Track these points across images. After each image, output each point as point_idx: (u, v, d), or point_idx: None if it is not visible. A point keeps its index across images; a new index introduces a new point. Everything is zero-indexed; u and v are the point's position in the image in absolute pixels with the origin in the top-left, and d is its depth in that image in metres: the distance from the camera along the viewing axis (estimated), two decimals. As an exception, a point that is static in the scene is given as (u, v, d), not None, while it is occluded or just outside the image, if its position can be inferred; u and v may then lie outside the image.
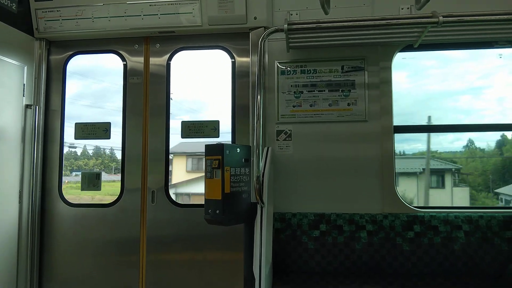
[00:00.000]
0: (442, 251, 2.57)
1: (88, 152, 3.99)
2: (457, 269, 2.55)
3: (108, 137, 3.20)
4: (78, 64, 3.37)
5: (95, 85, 3.56)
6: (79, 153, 3.88)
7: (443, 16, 2.27)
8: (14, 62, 2.95)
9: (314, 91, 2.86)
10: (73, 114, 3.31)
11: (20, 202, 2.99)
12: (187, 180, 4.78)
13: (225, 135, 3.09)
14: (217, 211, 2.32)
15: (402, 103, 2.86)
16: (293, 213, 2.74)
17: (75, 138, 3.23)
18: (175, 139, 3.18)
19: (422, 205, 4.06)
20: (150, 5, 2.97)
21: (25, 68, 3.06)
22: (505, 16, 2.25)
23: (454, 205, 3.44)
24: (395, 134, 2.81)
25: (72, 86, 3.36)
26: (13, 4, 2.97)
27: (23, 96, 3.05)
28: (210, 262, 3.00)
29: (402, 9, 2.77)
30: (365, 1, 2.82)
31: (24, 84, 3.05)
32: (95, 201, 3.32)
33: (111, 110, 3.37)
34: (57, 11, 3.09)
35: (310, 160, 2.82)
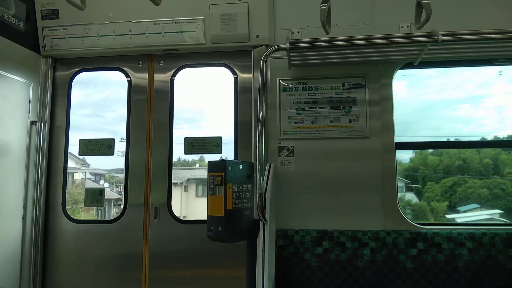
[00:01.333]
0: (445, 268, 2.55)
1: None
2: (461, 286, 2.52)
3: (112, 153, 3.23)
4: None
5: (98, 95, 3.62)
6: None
7: (443, 35, 2.30)
8: (20, 79, 3.01)
9: (315, 107, 2.88)
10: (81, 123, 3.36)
11: (24, 218, 3.00)
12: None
13: (227, 146, 3.12)
14: (220, 228, 2.31)
15: (400, 113, 2.87)
16: (296, 229, 2.74)
17: (79, 154, 3.25)
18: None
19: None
20: (154, 24, 3.03)
21: (31, 85, 3.11)
22: (504, 35, 2.28)
23: (458, 222, 3.42)
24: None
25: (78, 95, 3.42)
26: (21, 22, 3.03)
27: (29, 112, 3.09)
28: (213, 279, 2.99)
29: (402, 27, 2.82)
30: (365, 19, 2.87)
31: (29, 101, 3.10)
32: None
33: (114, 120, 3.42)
34: (63, 29, 3.16)
35: (312, 176, 2.83)
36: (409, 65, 2.84)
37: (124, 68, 3.28)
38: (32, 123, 3.10)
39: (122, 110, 3.27)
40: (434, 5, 2.12)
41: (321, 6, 2.17)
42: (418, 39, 2.35)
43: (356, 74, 2.86)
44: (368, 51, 2.58)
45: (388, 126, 2.80)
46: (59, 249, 3.15)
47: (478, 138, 3.91)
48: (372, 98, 2.83)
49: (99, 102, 3.67)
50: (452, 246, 2.58)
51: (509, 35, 2.28)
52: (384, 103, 2.82)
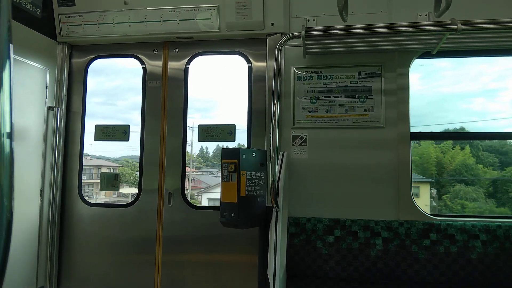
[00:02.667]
0: (458, 260, 2.54)
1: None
2: (474, 278, 2.51)
3: (127, 139, 3.27)
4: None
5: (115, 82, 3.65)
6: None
7: (462, 24, 2.26)
8: (37, 65, 3.05)
9: (330, 96, 2.87)
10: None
11: (41, 201, 3.08)
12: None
13: (240, 134, 3.13)
14: (233, 214, 2.34)
15: (414, 104, 2.84)
16: (308, 218, 2.75)
17: (95, 140, 3.30)
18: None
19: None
20: (169, 11, 3.04)
21: (48, 71, 3.16)
22: None
23: (471, 214, 3.38)
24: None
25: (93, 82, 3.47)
26: (38, 9, 3.07)
27: (46, 98, 3.14)
28: (225, 264, 3.04)
29: (420, 15, 2.77)
30: (382, 7, 2.83)
31: (46, 87, 3.15)
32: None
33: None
34: (79, 16, 3.19)
35: (325, 165, 2.83)
36: (426, 54, 2.80)
37: (139, 56, 3.30)
38: (49, 108, 3.16)
39: (133, 99, 3.30)
40: None
41: None
42: (437, 27, 2.31)
43: (372, 63, 2.83)
44: (385, 40, 2.54)
45: (404, 116, 2.77)
46: (75, 231, 3.23)
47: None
48: (388, 88, 2.80)
49: (113, 90, 3.71)
50: (466, 238, 2.56)
51: None
52: (400, 92, 2.79)
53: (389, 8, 2.83)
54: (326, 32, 2.44)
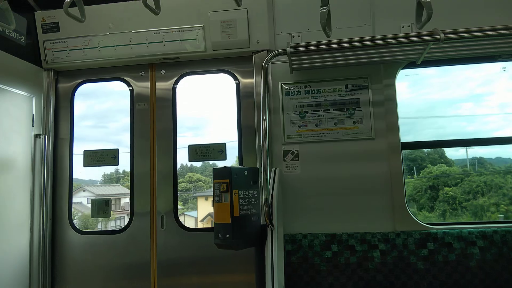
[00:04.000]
0: (457, 268, 2.52)
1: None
2: (474, 286, 2.49)
3: (117, 164, 3.23)
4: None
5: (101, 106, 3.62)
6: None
7: (444, 33, 2.29)
8: (23, 93, 3.02)
9: (319, 110, 2.87)
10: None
11: (31, 231, 3.00)
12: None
13: (231, 151, 3.11)
14: (227, 235, 2.30)
15: (403, 111, 2.86)
16: (304, 234, 2.72)
17: (84, 166, 3.25)
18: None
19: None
20: (154, 33, 3.04)
21: (34, 98, 3.12)
22: (506, 31, 2.27)
23: (467, 221, 3.38)
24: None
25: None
26: (22, 37, 3.05)
27: (32, 126, 3.10)
28: (222, 285, 2.97)
29: (403, 27, 2.81)
30: (365, 21, 2.86)
31: (33, 114, 3.11)
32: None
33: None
34: (64, 42, 3.17)
35: (318, 179, 2.82)
36: (411, 64, 2.83)
37: (125, 78, 3.29)
38: (36, 136, 3.11)
39: (125, 120, 3.28)
40: (434, 3, 2.11)
41: (321, 10, 2.16)
42: (420, 38, 2.34)
43: (359, 75, 2.85)
44: (369, 52, 2.57)
45: (393, 126, 2.78)
46: (67, 261, 3.15)
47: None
48: (376, 99, 2.82)
49: (102, 113, 3.68)
50: (463, 246, 2.55)
51: (510, 31, 2.26)
52: (388, 103, 2.81)
53: (372, 21, 2.86)
54: (311, 48, 2.46)
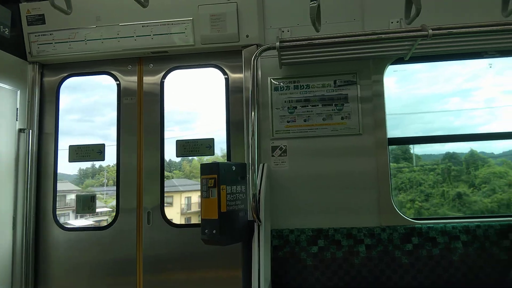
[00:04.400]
0: (441, 262, 2.55)
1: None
2: (457, 280, 2.53)
3: (103, 159, 3.19)
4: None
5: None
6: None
7: (433, 29, 2.30)
8: (7, 86, 2.95)
9: (307, 106, 2.87)
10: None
11: (14, 228, 2.95)
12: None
13: (220, 146, 3.10)
14: (214, 231, 2.28)
15: (391, 107, 2.87)
16: (291, 229, 2.72)
17: (69, 161, 3.20)
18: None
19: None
20: (142, 26, 3.00)
21: (18, 92, 3.06)
22: (494, 28, 2.29)
23: (452, 216, 3.42)
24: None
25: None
26: (6, 29, 2.98)
27: (17, 120, 3.04)
28: (209, 281, 2.96)
29: (392, 23, 2.81)
30: (355, 16, 2.86)
31: (17, 108, 3.04)
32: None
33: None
34: (50, 34, 3.11)
35: (306, 175, 2.82)
36: (399, 60, 2.84)
37: (113, 72, 3.24)
38: (20, 130, 3.05)
39: (112, 114, 3.23)
40: None
41: (311, 4, 2.15)
42: (408, 34, 2.35)
43: (347, 71, 2.85)
44: (358, 48, 2.57)
45: (380, 122, 2.79)
46: (51, 258, 3.10)
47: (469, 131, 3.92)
48: (364, 95, 2.82)
49: (89, 107, 3.62)
50: (447, 240, 2.58)
51: (498, 27, 2.29)
52: (375, 99, 2.82)
53: (361, 17, 2.87)
54: (301, 43, 2.45)
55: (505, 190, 3.88)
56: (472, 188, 4.13)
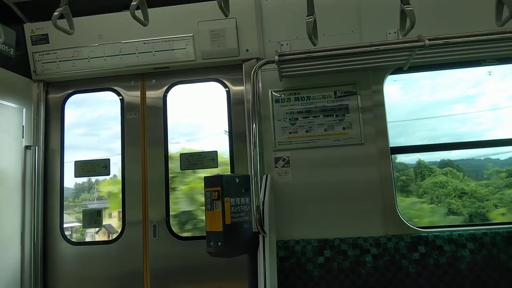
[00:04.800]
0: (448, 271, 2.54)
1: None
2: None
3: (108, 174, 3.22)
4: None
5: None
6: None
7: (429, 39, 2.33)
8: (12, 105, 3.01)
9: (309, 117, 2.90)
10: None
11: (22, 243, 2.97)
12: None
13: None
14: (219, 243, 2.30)
15: (395, 114, 2.89)
16: (296, 240, 2.73)
17: (75, 176, 3.24)
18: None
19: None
20: (144, 43, 3.06)
21: (24, 110, 3.11)
22: (490, 36, 2.32)
23: (458, 224, 3.41)
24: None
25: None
26: (11, 49, 3.05)
27: (23, 137, 3.09)
28: (216, 293, 2.96)
29: (389, 33, 2.85)
30: (352, 28, 2.90)
31: (23, 126, 3.10)
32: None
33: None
34: (54, 53, 3.18)
35: (309, 185, 2.83)
36: (399, 70, 2.86)
37: (116, 88, 3.29)
38: (27, 147, 3.10)
39: (117, 128, 3.27)
40: (420, 9, 2.15)
41: (307, 19, 2.19)
42: (406, 45, 2.38)
43: (347, 82, 2.89)
44: (357, 59, 2.60)
45: (382, 131, 2.81)
46: (59, 272, 3.12)
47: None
48: (365, 105, 2.85)
49: (94, 121, 3.67)
50: (454, 248, 2.57)
51: (493, 36, 2.31)
52: (376, 109, 2.84)
53: (359, 28, 2.90)
54: (299, 56, 2.49)
55: (441, 200, 3.89)
56: (416, 198, 4.10)
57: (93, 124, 3.62)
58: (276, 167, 2.88)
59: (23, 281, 2.95)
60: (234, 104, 3.14)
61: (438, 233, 2.63)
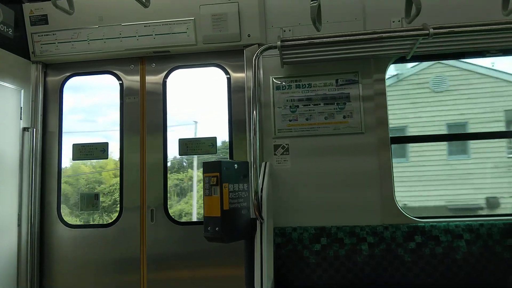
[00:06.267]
0: (444, 261, 2.56)
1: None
2: (460, 278, 2.53)
3: (106, 157, 3.21)
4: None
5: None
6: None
7: (434, 28, 2.31)
8: (11, 86, 2.98)
9: (309, 105, 2.88)
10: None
11: (19, 225, 2.98)
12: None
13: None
14: (217, 228, 2.31)
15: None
16: (294, 227, 2.73)
17: (73, 159, 3.23)
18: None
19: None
20: (144, 26, 3.01)
21: (22, 91, 3.08)
22: (495, 26, 2.30)
23: (455, 215, 3.43)
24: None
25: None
26: (9, 29, 3.00)
27: (20, 119, 3.06)
28: (212, 279, 2.98)
29: (393, 22, 2.82)
30: (356, 15, 2.87)
31: (21, 107, 3.07)
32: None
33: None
34: (53, 34, 3.13)
35: (308, 173, 2.83)
36: (401, 59, 2.84)
37: (115, 71, 3.26)
38: (24, 129, 3.08)
39: (114, 114, 3.25)
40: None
41: (311, 4, 2.17)
42: (409, 33, 2.36)
43: (349, 70, 2.86)
44: (360, 47, 2.58)
45: (382, 121, 2.80)
46: (56, 255, 3.13)
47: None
48: (366, 94, 2.83)
49: (91, 107, 3.64)
50: (450, 239, 2.58)
51: (499, 26, 2.29)
52: (377, 98, 2.82)
53: (363, 16, 2.87)
54: (302, 42, 2.46)
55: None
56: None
57: (90, 110, 3.61)
58: (275, 154, 2.87)
59: (19, 263, 2.96)
60: (234, 91, 3.11)
61: (435, 223, 2.64)
